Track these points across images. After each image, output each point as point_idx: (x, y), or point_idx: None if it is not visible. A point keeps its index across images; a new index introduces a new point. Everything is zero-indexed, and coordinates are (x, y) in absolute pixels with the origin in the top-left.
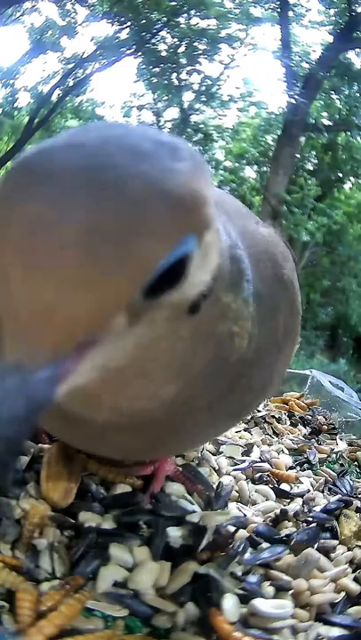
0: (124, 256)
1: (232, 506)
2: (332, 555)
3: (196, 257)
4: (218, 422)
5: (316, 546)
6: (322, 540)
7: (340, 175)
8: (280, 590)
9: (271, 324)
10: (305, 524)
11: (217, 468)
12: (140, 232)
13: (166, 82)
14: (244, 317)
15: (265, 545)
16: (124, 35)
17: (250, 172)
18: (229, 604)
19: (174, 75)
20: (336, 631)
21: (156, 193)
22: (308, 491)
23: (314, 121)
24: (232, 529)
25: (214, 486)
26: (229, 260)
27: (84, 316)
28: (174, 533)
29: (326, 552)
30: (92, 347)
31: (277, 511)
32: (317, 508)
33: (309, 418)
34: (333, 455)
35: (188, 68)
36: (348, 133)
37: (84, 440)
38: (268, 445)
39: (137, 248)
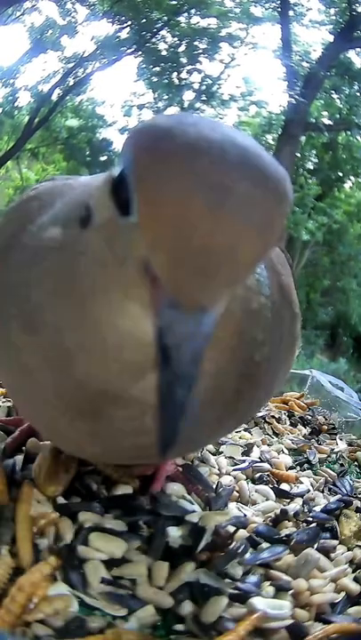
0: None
1: (232, 506)
2: (332, 555)
3: None
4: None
5: (316, 546)
6: (322, 540)
7: (341, 174)
8: (280, 590)
9: (279, 329)
10: (305, 524)
11: (217, 467)
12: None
13: (167, 81)
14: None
15: (265, 545)
16: (124, 34)
17: None
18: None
19: (175, 74)
20: None
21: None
22: (308, 491)
23: (314, 120)
24: (231, 529)
25: (214, 486)
26: None
27: (253, 261)
28: (174, 533)
29: (326, 552)
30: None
31: (277, 511)
32: (317, 508)
33: (309, 418)
34: (333, 455)
35: (189, 67)
36: (349, 132)
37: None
38: (268, 445)
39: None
